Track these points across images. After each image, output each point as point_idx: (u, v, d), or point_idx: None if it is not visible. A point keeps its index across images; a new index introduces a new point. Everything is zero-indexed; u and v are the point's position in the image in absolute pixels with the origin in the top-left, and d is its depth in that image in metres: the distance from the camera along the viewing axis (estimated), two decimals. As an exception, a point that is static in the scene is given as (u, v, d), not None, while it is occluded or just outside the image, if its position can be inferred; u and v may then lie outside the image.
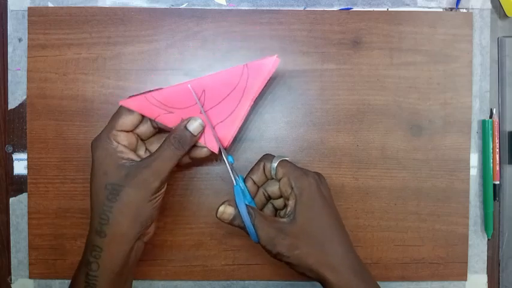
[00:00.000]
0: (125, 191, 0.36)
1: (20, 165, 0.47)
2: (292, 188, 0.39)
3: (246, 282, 0.48)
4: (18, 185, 0.47)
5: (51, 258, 0.47)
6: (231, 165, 0.40)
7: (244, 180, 0.41)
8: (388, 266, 0.48)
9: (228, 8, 0.48)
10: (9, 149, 0.47)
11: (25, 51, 0.47)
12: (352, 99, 0.47)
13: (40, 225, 0.47)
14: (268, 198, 0.43)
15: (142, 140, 0.42)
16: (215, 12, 0.47)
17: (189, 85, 0.40)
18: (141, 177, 0.37)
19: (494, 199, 0.48)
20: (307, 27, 0.47)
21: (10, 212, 0.47)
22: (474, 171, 0.48)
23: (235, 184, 0.40)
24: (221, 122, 0.41)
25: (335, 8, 0.48)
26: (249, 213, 0.38)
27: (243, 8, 0.48)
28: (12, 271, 0.48)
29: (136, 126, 0.40)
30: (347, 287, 0.38)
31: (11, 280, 0.48)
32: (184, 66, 0.47)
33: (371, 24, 0.47)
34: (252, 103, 0.41)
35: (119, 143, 0.38)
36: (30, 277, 0.47)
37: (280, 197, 0.42)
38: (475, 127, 0.48)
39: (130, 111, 0.39)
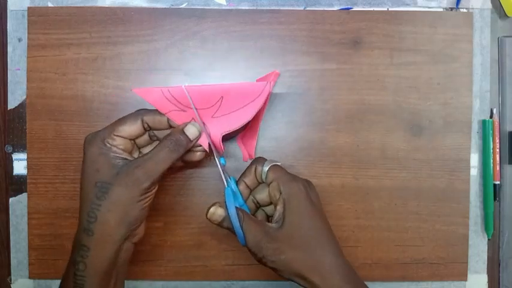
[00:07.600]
0: (114, 190, 0.36)
1: (19, 165, 0.47)
2: (280, 193, 0.39)
3: (246, 282, 0.48)
4: (18, 185, 0.47)
5: (51, 258, 0.47)
6: (223, 167, 0.41)
7: (237, 183, 0.41)
8: (388, 266, 0.48)
9: (228, 8, 0.47)
10: (9, 149, 0.47)
11: (25, 51, 0.47)
12: (352, 99, 0.47)
13: (40, 225, 0.47)
14: (258, 205, 0.43)
15: (138, 146, 0.41)
16: (215, 12, 0.47)
17: (183, 86, 0.39)
18: (132, 176, 0.36)
19: (495, 199, 0.48)
20: (307, 27, 0.47)
21: (10, 212, 0.47)
22: (474, 171, 0.48)
23: (226, 186, 0.40)
24: (229, 131, 0.41)
25: (335, 8, 0.48)
26: (238, 215, 0.38)
27: (243, 8, 0.47)
28: (12, 271, 0.48)
29: (135, 138, 0.40)
30: None
31: (10, 280, 0.48)
32: (184, 66, 0.47)
33: (371, 24, 0.47)
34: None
35: (115, 146, 0.38)
36: (30, 277, 0.47)
37: (270, 203, 0.42)
38: (475, 127, 0.48)
39: (135, 121, 0.39)
